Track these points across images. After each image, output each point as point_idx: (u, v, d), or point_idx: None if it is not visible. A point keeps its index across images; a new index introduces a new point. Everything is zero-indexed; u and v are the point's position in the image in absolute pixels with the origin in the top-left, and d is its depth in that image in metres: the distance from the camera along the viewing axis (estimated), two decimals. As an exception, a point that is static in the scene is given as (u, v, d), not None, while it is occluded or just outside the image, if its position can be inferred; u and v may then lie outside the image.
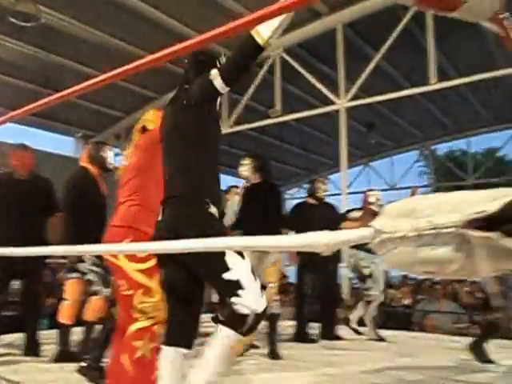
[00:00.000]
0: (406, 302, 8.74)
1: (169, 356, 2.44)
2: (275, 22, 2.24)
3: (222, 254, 2.30)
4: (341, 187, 10.68)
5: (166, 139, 2.66)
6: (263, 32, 2.26)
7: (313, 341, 5.94)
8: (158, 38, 8.94)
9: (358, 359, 4.90)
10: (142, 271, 3.05)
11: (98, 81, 2.20)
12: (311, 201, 6.26)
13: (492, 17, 1.69)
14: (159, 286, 3.08)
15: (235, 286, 2.27)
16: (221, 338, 2.27)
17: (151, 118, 3.46)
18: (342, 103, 10.13)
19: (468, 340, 4.63)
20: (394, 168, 18.23)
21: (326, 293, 6.17)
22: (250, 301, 2.25)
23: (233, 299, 2.26)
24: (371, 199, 6.26)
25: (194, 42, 1.97)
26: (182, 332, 2.50)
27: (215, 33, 1.94)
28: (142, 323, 3.00)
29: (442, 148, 18.62)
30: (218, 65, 2.53)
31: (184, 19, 9.63)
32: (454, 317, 7.87)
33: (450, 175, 17.82)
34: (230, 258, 2.30)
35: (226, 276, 2.29)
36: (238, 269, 2.30)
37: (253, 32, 2.27)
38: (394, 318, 7.84)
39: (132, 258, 3.05)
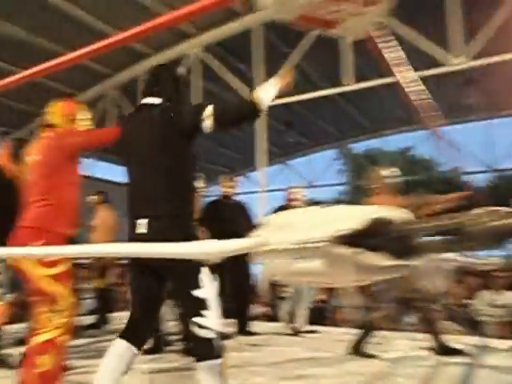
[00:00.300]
0: (322, 297, 8.94)
1: (120, 349, 2.50)
2: (273, 92, 2.59)
3: (198, 271, 2.39)
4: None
5: (143, 153, 2.62)
6: (264, 101, 2.52)
7: (227, 337, 5.99)
8: (79, 35, 8.78)
9: (269, 354, 5.03)
10: (49, 277, 2.89)
11: (19, 78, 2.17)
12: (222, 199, 6.35)
13: (366, 36, 1.84)
14: (69, 293, 2.98)
15: (201, 305, 2.37)
16: (208, 375, 2.35)
17: (53, 109, 3.39)
18: (260, 102, 10.23)
19: (378, 333, 4.81)
20: (313, 166, 18.64)
21: (240, 290, 6.26)
22: (212, 322, 2.36)
23: (196, 319, 2.35)
24: (297, 196, 6.39)
25: (115, 39, 1.99)
26: (139, 334, 2.58)
27: (136, 31, 1.96)
28: (46, 335, 2.85)
29: (359, 147, 19.18)
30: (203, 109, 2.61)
31: (106, 17, 9.51)
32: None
33: (367, 173, 18.29)
34: (204, 277, 2.40)
35: (196, 293, 2.37)
36: (208, 288, 2.40)
37: (255, 97, 2.51)
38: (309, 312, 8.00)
39: (40, 262, 2.88)
